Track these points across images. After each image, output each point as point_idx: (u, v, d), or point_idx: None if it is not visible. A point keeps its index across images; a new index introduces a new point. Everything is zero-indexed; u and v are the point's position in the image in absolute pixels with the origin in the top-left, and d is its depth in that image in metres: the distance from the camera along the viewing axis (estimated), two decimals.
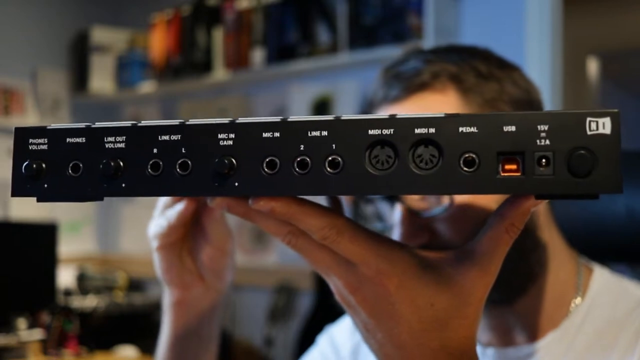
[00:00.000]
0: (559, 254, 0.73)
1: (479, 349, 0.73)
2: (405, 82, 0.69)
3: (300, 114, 2.76)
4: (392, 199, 0.68)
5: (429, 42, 2.20)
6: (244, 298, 2.91)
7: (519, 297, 0.70)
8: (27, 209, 3.10)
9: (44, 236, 2.62)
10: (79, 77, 3.32)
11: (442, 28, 2.24)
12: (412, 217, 0.66)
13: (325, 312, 2.46)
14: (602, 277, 0.73)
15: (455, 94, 0.68)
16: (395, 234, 0.66)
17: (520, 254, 0.67)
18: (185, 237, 0.62)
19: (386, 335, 0.46)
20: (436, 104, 0.68)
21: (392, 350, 0.46)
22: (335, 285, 0.47)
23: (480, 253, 0.45)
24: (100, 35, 3.28)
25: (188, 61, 2.96)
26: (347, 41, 2.45)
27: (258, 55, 2.74)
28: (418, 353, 0.45)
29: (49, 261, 2.59)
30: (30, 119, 3.17)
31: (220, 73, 2.85)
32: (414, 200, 0.66)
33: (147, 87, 3.15)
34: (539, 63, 2.06)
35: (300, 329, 2.57)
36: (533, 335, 0.71)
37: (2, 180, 3.08)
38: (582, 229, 0.79)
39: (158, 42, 3.10)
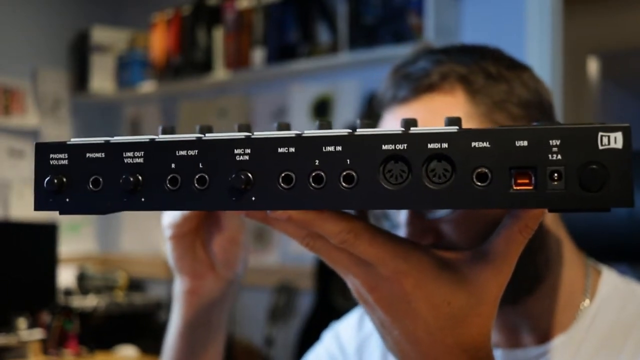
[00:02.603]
0: (566, 256, 0.72)
1: None
2: (414, 83, 0.69)
3: (300, 114, 2.76)
4: None
5: (429, 42, 2.19)
6: (244, 298, 2.91)
7: (524, 297, 0.70)
8: (27, 209, 3.10)
9: (44, 236, 2.62)
10: (79, 77, 3.32)
11: (442, 28, 2.24)
12: (418, 218, 0.66)
13: (325, 312, 2.46)
14: (610, 280, 0.73)
15: (464, 96, 0.68)
16: (401, 235, 0.66)
17: (526, 254, 0.67)
18: (199, 228, 0.63)
19: (402, 332, 0.47)
20: (444, 105, 0.68)
21: (408, 346, 0.47)
22: (353, 283, 0.48)
23: (494, 253, 0.45)
24: (100, 35, 3.28)
25: (188, 61, 2.96)
26: (347, 41, 2.45)
27: (258, 55, 2.74)
28: (433, 349, 0.46)
29: (49, 261, 2.59)
30: (31, 119, 3.17)
31: (220, 73, 2.86)
32: None
33: (147, 87, 3.15)
34: (539, 63, 2.06)
35: (300, 328, 2.57)
36: (541, 337, 0.71)
37: (2, 180, 3.08)
38: (584, 229, 0.79)
39: (158, 42, 3.10)
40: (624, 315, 0.70)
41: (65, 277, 2.92)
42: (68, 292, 2.87)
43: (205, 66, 2.90)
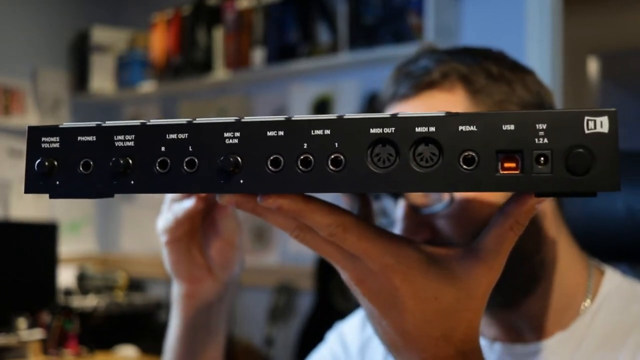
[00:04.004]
0: (567, 256, 0.73)
1: (485, 343, 0.73)
2: (415, 80, 0.70)
3: (300, 114, 2.76)
4: (395, 195, 0.69)
5: (429, 42, 2.19)
6: (244, 298, 2.91)
7: (523, 298, 0.71)
8: (27, 209, 3.10)
9: (44, 236, 2.62)
10: (79, 77, 3.32)
11: (442, 28, 2.24)
12: (413, 213, 0.67)
13: (325, 312, 2.46)
14: (613, 280, 0.73)
15: (464, 94, 0.68)
16: (397, 230, 0.67)
17: (523, 255, 0.68)
18: (194, 231, 0.63)
19: (390, 323, 0.48)
20: (444, 103, 0.68)
21: (396, 337, 0.48)
22: (343, 274, 0.49)
23: (485, 250, 0.46)
24: (100, 35, 3.28)
25: (188, 61, 2.96)
26: (347, 41, 2.45)
27: (258, 55, 2.74)
28: (421, 341, 0.47)
29: (49, 261, 2.60)
30: (31, 119, 3.17)
31: (220, 73, 2.86)
32: (417, 197, 0.67)
33: (147, 87, 3.15)
34: (539, 63, 2.06)
35: (300, 329, 2.57)
36: (541, 334, 0.72)
37: (2, 180, 3.08)
38: (583, 228, 0.79)
39: (158, 42, 3.10)
40: (625, 315, 0.70)
41: (65, 277, 2.92)
42: (68, 292, 2.87)
43: (205, 66, 2.90)
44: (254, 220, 2.88)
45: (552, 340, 0.71)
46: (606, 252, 0.83)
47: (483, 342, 0.75)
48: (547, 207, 0.71)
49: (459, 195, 0.65)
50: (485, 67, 0.69)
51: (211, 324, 0.70)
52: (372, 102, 2.47)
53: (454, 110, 0.66)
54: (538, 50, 2.10)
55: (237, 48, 2.80)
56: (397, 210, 0.68)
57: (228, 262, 0.66)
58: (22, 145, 3.14)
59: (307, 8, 2.60)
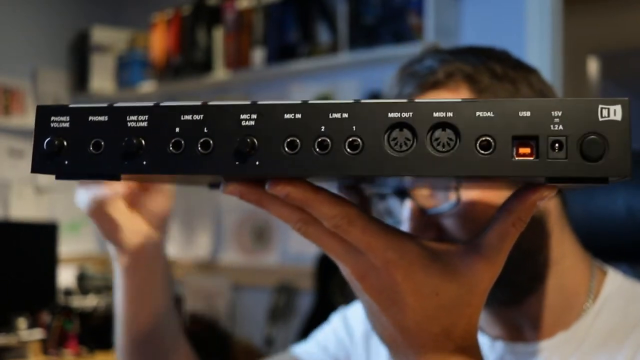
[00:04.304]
0: (570, 256, 0.73)
1: (487, 341, 0.74)
2: (420, 80, 0.71)
3: None
4: (402, 195, 0.69)
5: (429, 42, 2.19)
6: (244, 298, 2.91)
7: (526, 296, 0.71)
8: (27, 209, 3.10)
9: (44, 236, 2.62)
10: (79, 77, 3.32)
11: (442, 28, 2.24)
12: (420, 213, 0.67)
13: (325, 312, 2.45)
14: (615, 281, 0.74)
15: (469, 94, 0.69)
16: (404, 230, 0.67)
17: (526, 253, 0.69)
18: (120, 198, 0.67)
19: (390, 319, 0.48)
20: None
21: (396, 332, 0.48)
22: (344, 270, 0.49)
23: (487, 246, 0.46)
24: (100, 35, 3.28)
25: (188, 61, 2.96)
26: (347, 41, 2.45)
27: (258, 55, 2.74)
28: (420, 337, 0.47)
29: (49, 261, 2.60)
30: (31, 119, 3.17)
31: (220, 73, 2.86)
32: (423, 197, 0.68)
33: (147, 87, 3.15)
34: (539, 63, 2.06)
35: (300, 329, 2.57)
36: (542, 334, 0.72)
37: (2, 180, 3.08)
38: (583, 228, 0.79)
39: (158, 42, 3.10)
40: (626, 315, 0.70)
41: (65, 277, 2.92)
42: (68, 292, 2.87)
43: (205, 66, 2.90)
44: (254, 221, 2.88)
45: (553, 340, 0.71)
46: (606, 252, 0.83)
47: (485, 340, 0.75)
48: (551, 205, 0.71)
49: (465, 195, 0.65)
50: (489, 66, 0.70)
51: (156, 288, 0.74)
52: None
53: None
54: (538, 50, 2.10)
55: (237, 48, 2.80)
56: (404, 210, 0.69)
57: (159, 221, 0.70)
58: (22, 145, 3.14)
59: (307, 8, 2.60)
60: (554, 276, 0.71)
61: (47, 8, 3.30)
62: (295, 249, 2.73)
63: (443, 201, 0.67)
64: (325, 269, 2.44)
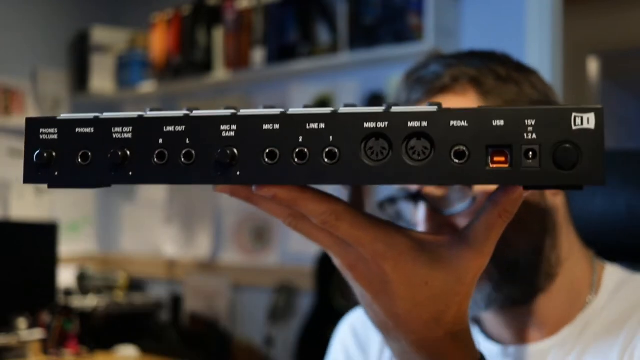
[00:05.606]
0: (575, 252, 0.75)
1: (499, 350, 0.76)
2: (427, 86, 0.72)
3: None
4: (416, 198, 0.71)
5: (429, 42, 2.20)
6: (244, 298, 2.91)
7: (538, 296, 0.73)
8: (27, 209, 3.10)
9: (44, 236, 2.62)
10: (79, 77, 3.32)
11: (442, 28, 2.24)
12: (435, 215, 0.69)
13: (325, 312, 2.46)
14: (614, 273, 0.76)
15: (476, 96, 0.70)
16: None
17: (540, 253, 0.71)
18: None
19: (381, 307, 0.49)
20: (457, 105, 0.70)
21: (386, 319, 0.50)
22: (336, 260, 0.50)
23: (474, 237, 0.47)
24: (100, 35, 3.28)
25: (188, 61, 2.96)
26: (347, 41, 2.45)
27: (258, 55, 2.74)
28: (411, 324, 0.49)
29: (49, 261, 2.59)
30: None
31: (220, 73, 2.86)
32: (438, 198, 0.69)
33: (147, 87, 3.15)
34: (539, 63, 2.06)
35: (300, 329, 2.57)
36: (550, 330, 0.74)
37: (2, 180, 3.08)
38: (584, 227, 0.80)
39: (158, 42, 3.10)
40: (627, 301, 0.73)
41: (66, 277, 2.92)
42: (68, 292, 2.87)
43: (205, 66, 2.90)
44: (254, 221, 2.88)
45: (560, 335, 0.73)
46: (607, 250, 0.83)
47: (497, 349, 0.76)
48: (558, 202, 0.73)
49: (480, 194, 0.67)
50: (492, 68, 0.72)
51: None
52: (373, 102, 2.47)
53: None
54: (538, 50, 2.10)
55: (237, 48, 2.80)
56: (419, 213, 0.70)
57: None
58: (22, 145, 3.13)
59: (307, 8, 2.60)
60: (563, 274, 0.73)
61: (47, 8, 3.30)
62: (295, 249, 2.73)
63: (457, 200, 0.68)
64: (325, 269, 2.44)
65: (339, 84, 2.66)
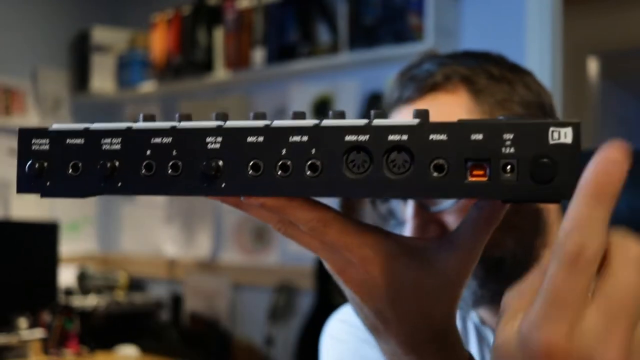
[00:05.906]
0: None
1: None
2: (419, 84, 0.73)
3: None
4: None
5: (429, 42, 2.20)
6: (244, 298, 2.92)
7: None
8: (27, 209, 3.10)
9: (44, 236, 2.62)
10: (80, 77, 3.32)
11: (442, 28, 2.24)
12: (423, 211, 0.70)
13: (325, 312, 2.46)
14: None
15: (467, 95, 0.71)
16: (407, 228, 0.70)
17: (530, 252, 0.71)
18: None
19: (371, 309, 0.50)
20: (448, 103, 0.71)
21: (376, 322, 0.50)
22: (325, 264, 0.51)
23: (462, 241, 0.48)
24: (100, 35, 3.28)
25: (188, 61, 2.96)
26: (347, 41, 2.45)
27: (258, 55, 2.74)
28: (400, 326, 0.49)
29: (50, 260, 2.60)
30: (31, 119, 3.17)
31: (220, 73, 2.86)
32: None
33: (147, 86, 3.15)
34: (539, 63, 2.07)
35: (300, 328, 2.57)
36: None
37: (2, 179, 3.08)
38: None
39: (158, 42, 3.10)
40: None
41: (66, 276, 2.92)
42: (69, 292, 2.87)
43: (205, 66, 2.90)
44: (254, 221, 2.88)
45: None
46: None
47: None
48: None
49: None
50: (486, 68, 0.72)
51: None
52: (373, 102, 2.48)
53: (458, 110, 0.70)
54: (538, 51, 2.10)
55: (237, 48, 2.81)
56: (408, 209, 0.71)
57: None
58: None
59: (307, 8, 2.61)
60: None
61: (47, 8, 3.30)
62: (295, 249, 2.73)
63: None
64: (325, 269, 2.44)
65: (339, 84, 2.66)
